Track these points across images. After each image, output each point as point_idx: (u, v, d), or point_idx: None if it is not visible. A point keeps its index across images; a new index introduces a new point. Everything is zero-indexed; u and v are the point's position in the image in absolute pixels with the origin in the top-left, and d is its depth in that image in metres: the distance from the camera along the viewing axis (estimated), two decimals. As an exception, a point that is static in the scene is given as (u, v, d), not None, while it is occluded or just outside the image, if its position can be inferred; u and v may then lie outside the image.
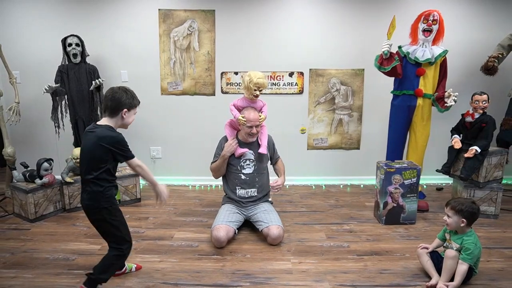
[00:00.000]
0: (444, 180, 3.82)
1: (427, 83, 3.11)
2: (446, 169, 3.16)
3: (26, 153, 3.66)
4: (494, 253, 2.47)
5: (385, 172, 2.85)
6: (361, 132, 3.95)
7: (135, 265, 2.27)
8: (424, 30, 3.05)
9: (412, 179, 2.85)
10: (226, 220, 2.63)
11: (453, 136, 3.13)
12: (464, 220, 2.07)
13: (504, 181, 3.58)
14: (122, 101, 1.89)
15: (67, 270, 2.25)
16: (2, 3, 3.63)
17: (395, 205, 2.89)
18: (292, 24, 3.73)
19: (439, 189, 3.80)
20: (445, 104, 3.05)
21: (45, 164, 3.00)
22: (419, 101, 3.13)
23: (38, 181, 2.96)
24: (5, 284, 2.09)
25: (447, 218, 2.13)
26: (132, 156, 1.93)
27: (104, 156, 1.86)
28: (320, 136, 3.97)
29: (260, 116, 2.70)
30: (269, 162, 2.96)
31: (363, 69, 3.79)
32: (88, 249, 2.52)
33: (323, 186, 3.91)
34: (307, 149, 4.00)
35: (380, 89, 3.60)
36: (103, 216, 1.91)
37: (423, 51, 3.06)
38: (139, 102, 2.01)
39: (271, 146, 2.91)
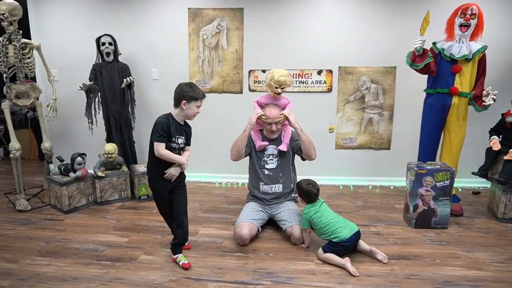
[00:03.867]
0: (481, 183, 3.62)
1: (463, 81, 2.95)
2: (483, 172, 2.99)
3: (62, 147, 3.85)
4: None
5: (416, 174, 2.73)
6: (392, 131, 3.82)
7: (184, 262, 2.30)
8: (461, 25, 2.89)
9: (445, 182, 2.72)
10: (249, 218, 2.63)
11: (492, 137, 2.97)
12: None
13: (548, 186, 3.34)
14: (182, 93, 2.14)
15: (96, 260, 2.34)
16: (42, 5, 3.83)
17: (426, 208, 2.77)
18: (320, 21, 3.66)
19: (476, 193, 3.60)
20: (483, 103, 2.88)
21: (79, 159, 3.13)
22: (455, 99, 2.97)
23: (72, 174, 3.10)
24: (39, 271, 2.21)
25: None
26: (155, 140, 2.13)
27: None
28: (348, 135, 3.88)
29: (281, 113, 2.68)
30: (300, 157, 2.87)
31: (395, 67, 3.65)
32: (116, 241, 2.60)
33: (351, 187, 3.81)
34: (335, 149, 3.92)
35: (413, 88, 3.46)
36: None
37: (460, 47, 2.90)
38: (203, 95, 2.21)
39: (294, 142, 2.82)
